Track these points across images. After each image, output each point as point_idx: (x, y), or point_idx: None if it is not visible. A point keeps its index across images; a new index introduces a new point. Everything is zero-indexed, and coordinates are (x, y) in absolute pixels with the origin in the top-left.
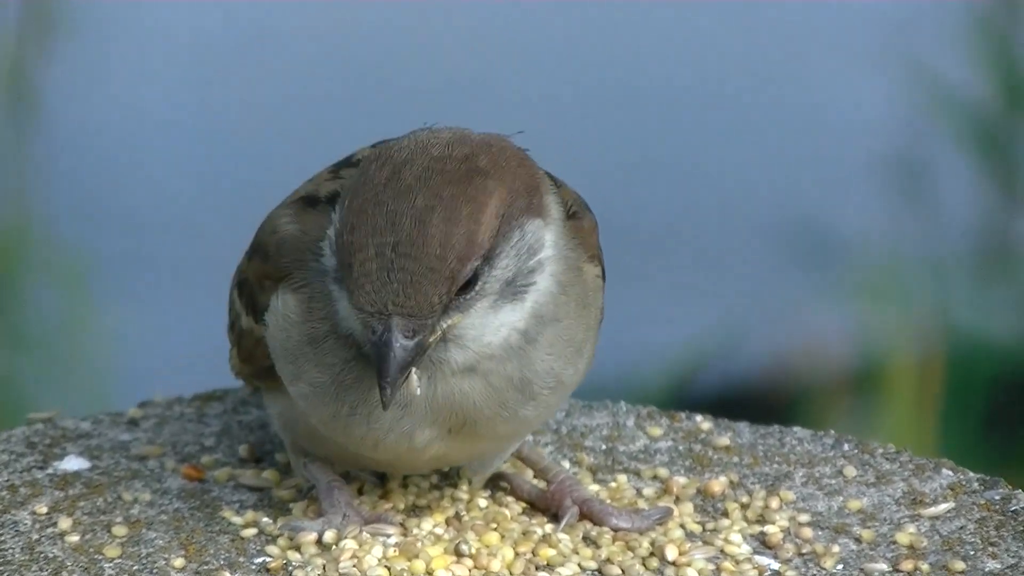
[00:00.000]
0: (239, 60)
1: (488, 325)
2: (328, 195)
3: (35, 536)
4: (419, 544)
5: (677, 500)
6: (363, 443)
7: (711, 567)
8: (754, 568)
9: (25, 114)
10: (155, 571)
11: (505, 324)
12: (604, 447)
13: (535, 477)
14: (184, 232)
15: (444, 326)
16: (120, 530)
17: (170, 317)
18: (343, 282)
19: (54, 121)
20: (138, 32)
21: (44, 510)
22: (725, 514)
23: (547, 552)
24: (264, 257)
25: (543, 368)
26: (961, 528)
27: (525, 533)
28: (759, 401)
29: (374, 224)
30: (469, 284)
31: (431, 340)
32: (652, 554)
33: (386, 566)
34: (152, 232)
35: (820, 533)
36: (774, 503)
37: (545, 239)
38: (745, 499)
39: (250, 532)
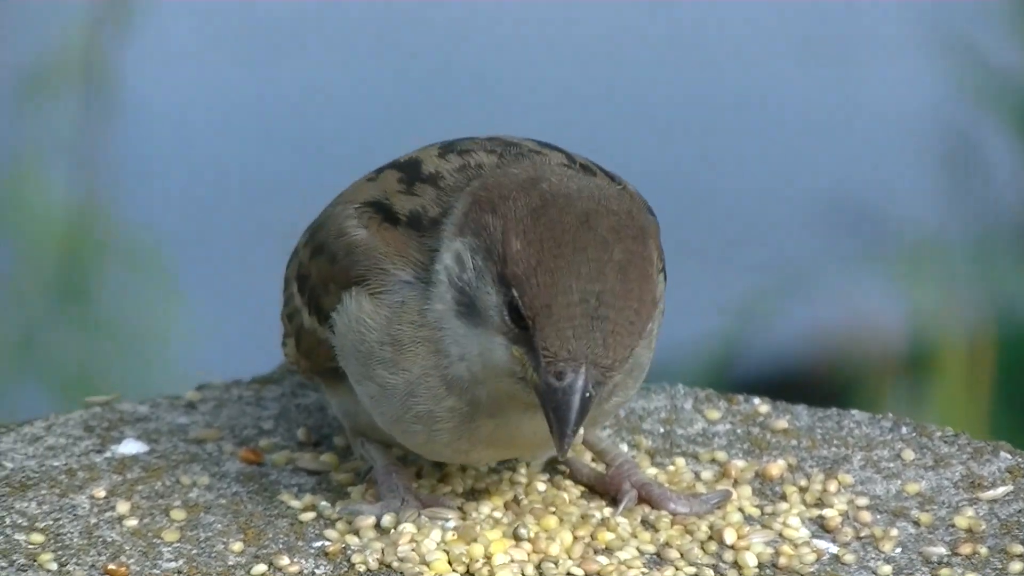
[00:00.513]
0: (307, 43)
1: (627, 364)
2: (410, 215)
3: (93, 520)
4: (478, 528)
5: (735, 483)
6: (421, 447)
7: (770, 551)
8: (813, 552)
9: (98, 98)
10: (214, 555)
11: (629, 366)
12: (662, 430)
13: (594, 460)
14: (247, 216)
15: (618, 380)
16: (178, 514)
17: (231, 300)
18: (524, 325)
19: (128, 105)
20: (210, 17)
21: (102, 494)
22: (783, 497)
23: (606, 536)
24: (331, 260)
25: (610, 407)
26: (1020, 511)
27: (584, 517)
28: (811, 383)
29: (578, 269)
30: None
31: (606, 393)
32: (711, 538)
33: (444, 550)
34: (217, 216)
35: (878, 517)
36: (832, 486)
37: (663, 290)
38: (803, 482)
39: (308, 516)
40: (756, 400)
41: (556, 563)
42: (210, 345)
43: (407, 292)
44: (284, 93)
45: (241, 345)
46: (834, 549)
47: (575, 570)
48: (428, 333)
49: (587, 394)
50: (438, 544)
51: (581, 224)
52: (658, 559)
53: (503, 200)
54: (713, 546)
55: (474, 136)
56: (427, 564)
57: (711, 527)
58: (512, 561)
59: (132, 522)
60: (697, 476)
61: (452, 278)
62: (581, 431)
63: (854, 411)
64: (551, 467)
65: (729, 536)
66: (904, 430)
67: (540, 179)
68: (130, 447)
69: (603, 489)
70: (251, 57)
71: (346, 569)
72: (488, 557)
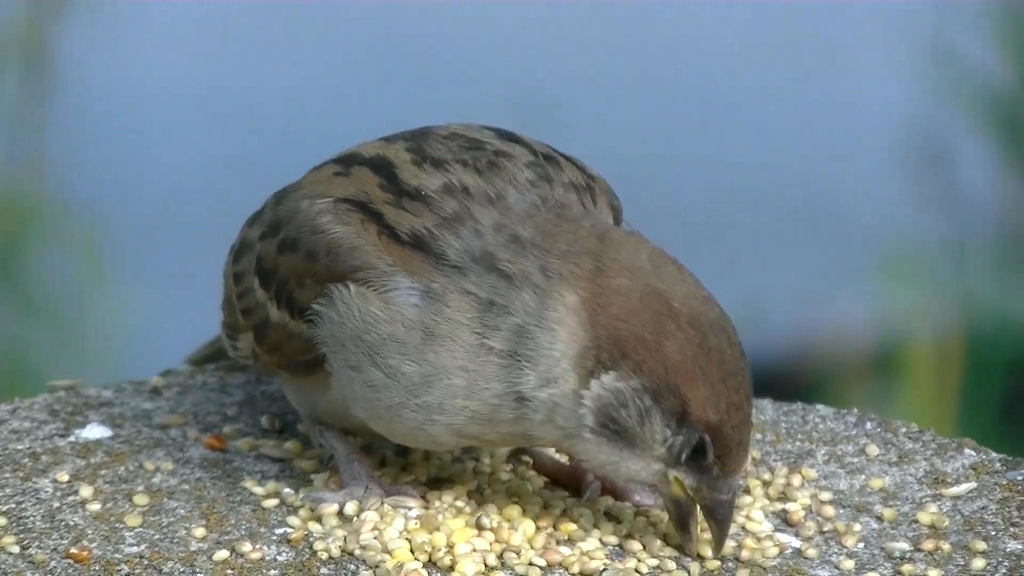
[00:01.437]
0: (257, 30)
1: None
2: (412, 237)
3: (56, 504)
4: (440, 517)
5: None
6: (397, 433)
7: (732, 544)
8: (775, 545)
9: (40, 80)
10: (176, 540)
11: None
12: None
13: (557, 452)
14: (203, 201)
15: None
16: (141, 499)
17: (190, 287)
18: (719, 459)
19: (70, 87)
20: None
21: (65, 478)
22: (747, 491)
23: (568, 526)
24: (308, 257)
25: None
26: (983, 508)
27: (546, 507)
28: (780, 381)
29: (748, 397)
30: None
31: None
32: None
33: (407, 538)
34: (170, 200)
35: (842, 511)
36: (796, 481)
37: None
38: (767, 476)
39: (271, 503)
40: None
41: (518, 553)
42: (174, 332)
43: (421, 299)
44: (229, 72)
45: (175, 330)
46: (797, 543)
47: (537, 560)
48: (495, 351)
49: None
50: (400, 532)
51: (731, 346)
52: (620, 550)
53: (659, 336)
54: (675, 538)
55: (431, 127)
56: (389, 552)
57: None
58: (474, 550)
59: (95, 506)
60: None
61: (603, 408)
62: None
63: (819, 406)
64: (515, 457)
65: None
66: (869, 425)
67: (665, 294)
68: (94, 431)
69: (567, 480)
70: (196, 35)
71: (308, 556)
72: (451, 546)
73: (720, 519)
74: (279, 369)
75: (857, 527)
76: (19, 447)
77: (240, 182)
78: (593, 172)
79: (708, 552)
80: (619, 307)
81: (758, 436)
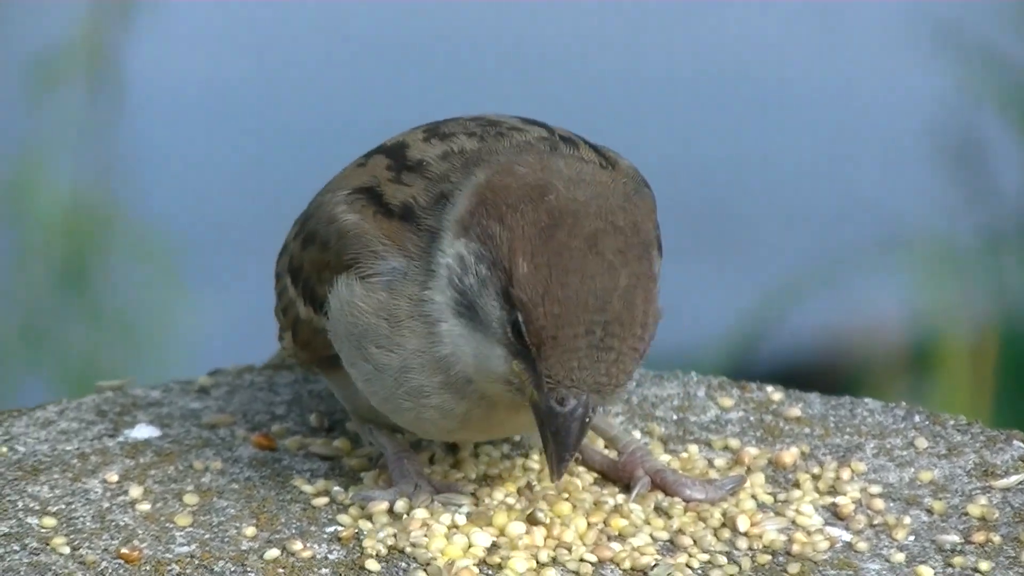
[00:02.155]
0: (315, 34)
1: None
2: (403, 208)
3: (106, 504)
4: (491, 513)
5: (748, 471)
6: (411, 424)
7: (783, 538)
8: (825, 539)
9: (107, 92)
10: (226, 540)
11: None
12: (675, 417)
13: (606, 447)
14: (255, 204)
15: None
16: (191, 499)
17: (240, 287)
18: (529, 347)
19: (136, 100)
20: (217, 8)
21: (115, 478)
22: (796, 485)
23: (619, 522)
24: (323, 247)
25: None
26: None
27: (597, 503)
28: (819, 376)
29: (584, 301)
30: None
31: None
32: (724, 525)
33: (458, 535)
34: (225, 204)
35: (891, 504)
36: (845, 474)
37: None
38: (816, 470)
39: (321, 501)
40: (769, 388)
41: (569, 549)
42: (218, 335)
43: (402, 274)
44: (291, 84)
45: (250, 335)
46: (847, 537)
47: (588, 556)
48: (424, 317)
49: (587, 419)
50: (451, 529)
51: (589, 249)
52: (671, 546)
53: (511, 210)
54: (726, 533)
55: (459, 116)
56: (440, 549)
57: (724, 514)
58: (525, 547)
59: (145, 506)
60: (710, 463)
61: (453, 277)
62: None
63: (867, 399)
64: None
65: (742, 523)
66: (917, 418)
67: (548, 188)
68: (143, 432)
69: (616, 476)
70: (257, 48)
71: (359, 554)
72: (501, 543)
73: (554, 432)
74: (316, 367)
75: (907, 520)
76: (68, 448)
77: (295, 187)
78: (615, 157)
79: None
80: (498, 187)
81: (806, 430)
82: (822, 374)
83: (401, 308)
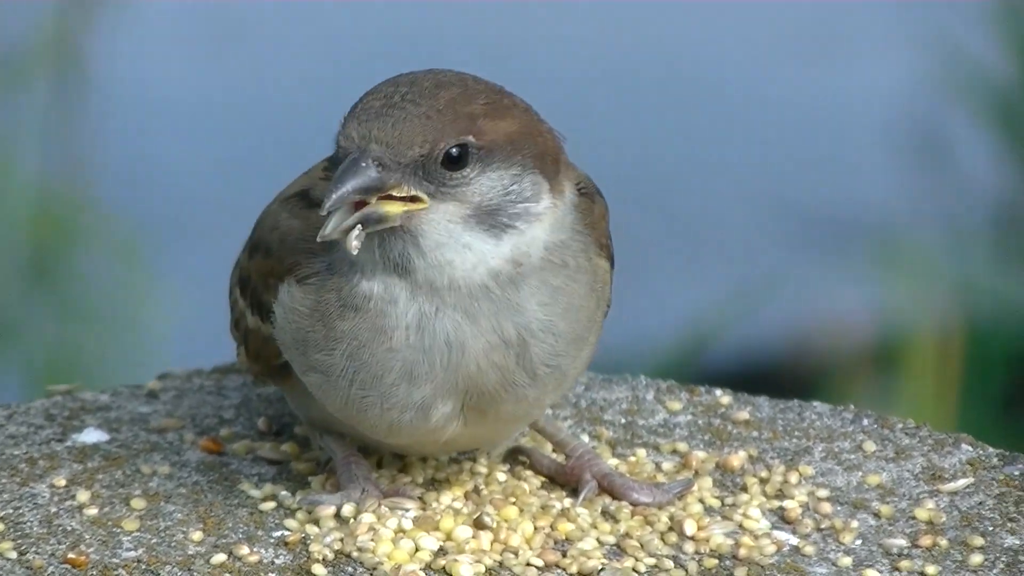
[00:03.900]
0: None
1: (452, 237)
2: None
3: (53, 509)
4: (438, 518)
5: (696, 474)
6: (378, 428)
7: (730, 542)
8: (773, 543)
9: (74, 86)
10: (173, 544)
11: (473, 250)
12: (623, 421)
13: (554, 451)
14: (220, 203)
15: (411, 193)
16: (138, 503)
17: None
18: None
19: (100, 92)
20: (183, 3)
21: (62, 483)
22: (744, 489)
23: (566, 526)
24: (266, 253)
25: (537, 326)
26: (980, 504)
27: (544, 507)
28: (779, 376)
29: (393, 82)
30: (455, 163)
31: (396, 195)
32: (671, 529)
33: (404, 540)
34: (189, 202)
35: (839, 508)
36: (793, 478)
37: (542, 198)
38: (764, 474)
39: (268, 506)
40: (718, 391)
41: (516, 553)
42: (182, 332)
43: (328, 268)
44: (260, 78)
45: (212, 331)
46: (794, 540)
47: (535, 560)
48: (341, 292)
49: (370, 172)
50: (398, 533)
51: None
52: (618, 550)
53: None
54: (673, 537)
55: None
56: (387, 554)
57: (671, 518)
58: (472, 551)
59: (92, 511)
60: (658, 467)
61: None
62: (354, 248)
63: (815, 403)
64: (512, 458)
65: (689, 527)
66: (865, 422)
67: None
68: (91, 436)
69: (563, 480)
70: (224, 42)
71: (305, 559)
72: (448, 548)
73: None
74: (268, 380)
75: (855, 524)
76: (16, 452)
77: (259, 186)
78: (594, 190)
79: None
80: None
81: (755, 433)
82: (786, 374)
83: (331, 303)
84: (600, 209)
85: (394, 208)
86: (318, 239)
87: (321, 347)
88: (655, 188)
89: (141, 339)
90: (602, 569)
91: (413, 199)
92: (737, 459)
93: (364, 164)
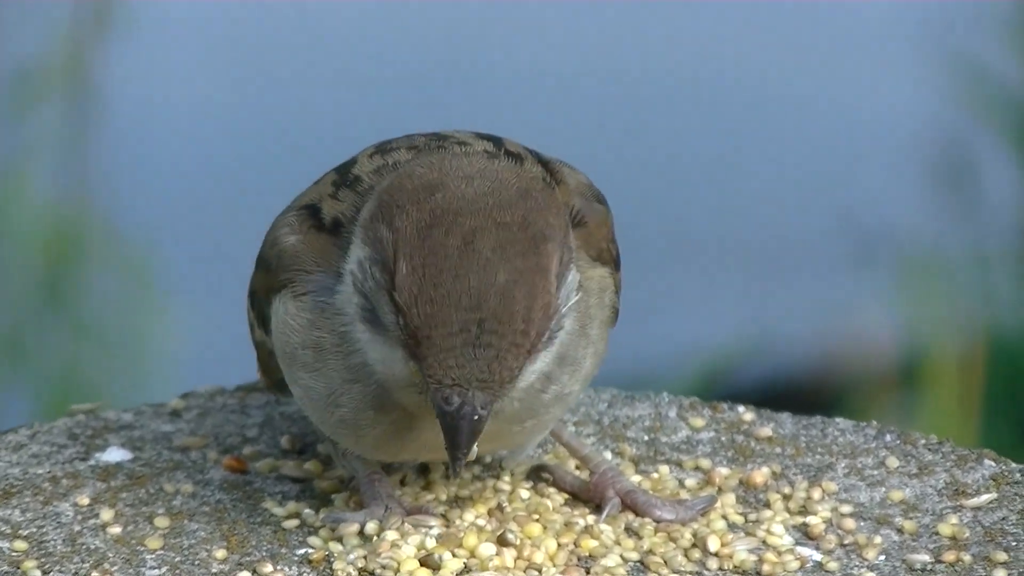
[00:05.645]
0: (295, 45)
1: (527, 375)
2: (332, 221)
3: (77, 528)
4: (461, 535)
5: (719, 491)
6: (352, 447)
7: (753, 558)
8: (796, 559)
9: (85, 107)
10: (197, 562)
11: (536, 371)
12: (646, 438)
13: (577, 468)
14: (235, 221)
15: (519, 393)
16: (162, 521)
17: (219, 306)
18: (412, 348)
19: (113, 113)
20: (195, 23)
21: (86, 501)
22: (767, 505)
23: (589, 543)
24: (267, 269)
25: (546, 398)
26: (1003, 519)
27: (567, 524)
28: (802, 394)
29: (457, 299)
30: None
31: (501, 405)
32: (694, 545)
33: (427, 557)
34: (205, 221)
35: (862, 524)
36: (816, 494)
37: (575, 282)
38: (787, 490)
39: (292, 523)
40: (740, 408)
41: (540, 571)
42: (197, 351)
43: (327, 296)
44: (273, 96)
45: (228, 352)
46: (818, 556)
47: None
48: (341, 339)
49: (476, 416)
50: (421, 551)
51: (465, 246)
52: (641, 566)
53: (398, 211)
54: (697, 553)
55: (415, 133)
56: (410, 571)
57: (695, 534)
58: (496, 569)
59: (116, 529)
60: (681, 483)
61: (356, 283)
62: (475, 453)
63: (838, 419)
64: (535, 475)
65: (713, 543)
66: (888, 438)
67: (437, 186)
68: (114, 455)
69: (587, 496)
70: (236, 61)
71: None
72: (472, 566)
73: (445, 430)
74: (277, 392)
75: (878, 540)
76: (39, 471)
77: (271, 203)
78: (567, 172)
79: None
80: (394, 189)
81: (778, 450)
82: (809, 391)
83: (324, 338)
84: (595, 220)
85: (500, 404)
86: (454, 479)
87: (308, 369)
88: (679, 205)
89: (155, 359)
90: None
91: None
92: (760, 475)
93: (475, 418)
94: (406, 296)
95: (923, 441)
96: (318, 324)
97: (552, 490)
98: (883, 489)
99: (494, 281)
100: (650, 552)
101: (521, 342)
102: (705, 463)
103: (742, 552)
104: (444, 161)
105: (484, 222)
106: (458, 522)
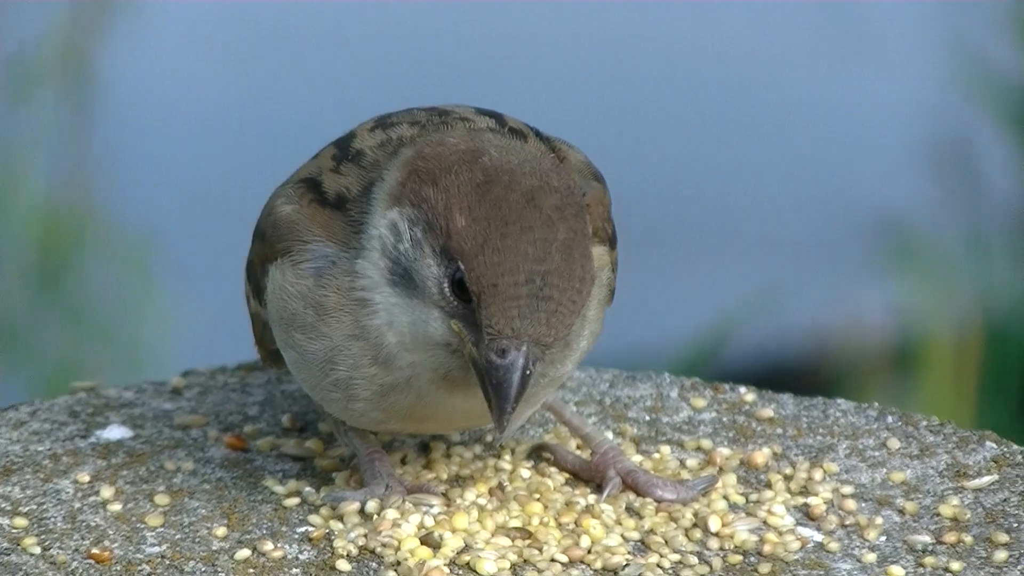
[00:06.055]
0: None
1: (574, 336)
2: (336, 197)
3: (77, 505)
4: (461, 514)
5: (720, 471)
6: (340, 414)
7: (754, 538)
8: (797, 539)
9: (83, 95)
10: (197, 540)
11: (579, 335)
12: (648, 418)
13: (578, 447)
14: (231, 205)
15: (555, 355)
16: (162, 499)
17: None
18: (466, 301)
19: (110, 101)
20: (193, 11)
21: (86, 479)
22: (768, 486)
23: (590, 522)
24: (262, 239)
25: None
26: (1004, 500)
27: (568, 504)
28: (800, 375)
29: (525, 249)
30: None
31: (543, 368)
32: (695, 525)
33: (428, 535)
34: (200, 205)
35: (863, 505)
36: (817, 475)
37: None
38: (788, 471)
39: (292, 502)
40: (742, 389)
41: (540, 549)
42: (193, 338)
43: (331, 262)
44: (270, 83)
45: (224, 338)
46: (819, 537)
47: (559, 556)
48: (353, 301)
49: (527, 371)
50: (421, 529)
51: (527, 202)
52: (642, 546)
53: (445, 172)
54: (698, 533)
55: (414, 108)
56: (410, 550)
57: (696, 514)
58: (496, 547)
59: (116, 507)
60: (682, 464)
61: (387, 247)
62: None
63: (839, 400)
64: (536, 454)
65: (714, 523)
66: (890, 419)
67: (480, 151)
68: (115, 432)
69: (588, 476)
70: (233, 50)
71: (329, 555)
72: (472, 543)
73: (495, 385)
74: (271, 365)
75: (879, 520)
76: (40, 448)
77: (268, 193)
78: (566, 149)
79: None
80: (429, 155)
81: (779, 431)
82: (807, 373)
83: (328, 297)
84: (593, 196)
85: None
86: (501, 435)
87: (306, 331)
88: (680, 188)
89: (152, 345)
90: (626, 565)
91: None
92: (761, 456)
93: (526, 372)
94: (470, 244)
95: (924, 423)
96: (322, 287)
97: (553, 470)
98: (884, 470)
99: (556, 237)
100: (651, 532)
101: (576, 299)
102: (706, 443)
103: (743, 532)
104: (471, 132)
105: (539, 183)
106: (459, 501)
